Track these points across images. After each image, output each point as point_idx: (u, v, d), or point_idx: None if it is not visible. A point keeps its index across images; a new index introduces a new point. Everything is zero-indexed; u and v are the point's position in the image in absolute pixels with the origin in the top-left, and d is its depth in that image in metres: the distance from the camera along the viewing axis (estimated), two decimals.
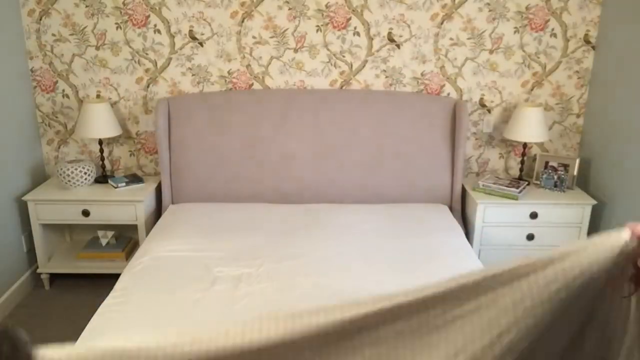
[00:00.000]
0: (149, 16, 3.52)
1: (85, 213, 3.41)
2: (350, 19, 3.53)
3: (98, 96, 3.68)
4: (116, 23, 3.53)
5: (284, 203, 3.48)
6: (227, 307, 2.29)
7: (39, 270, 3.53)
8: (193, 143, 3.52)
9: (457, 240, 2.99)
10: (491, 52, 3.59)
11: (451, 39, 3.56)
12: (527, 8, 3.50)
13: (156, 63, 3.62)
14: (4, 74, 3.34)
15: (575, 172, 3.52)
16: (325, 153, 3.53)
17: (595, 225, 3.49)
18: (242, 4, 3.50)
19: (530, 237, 3.43)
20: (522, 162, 3.66)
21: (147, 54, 3.60)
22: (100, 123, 3.46)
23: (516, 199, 3.38)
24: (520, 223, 3.41)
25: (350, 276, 2.54)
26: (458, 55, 3.60)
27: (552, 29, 3.54)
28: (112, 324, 2.18)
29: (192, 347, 1.26)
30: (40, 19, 3.52)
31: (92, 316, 2.28)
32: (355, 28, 3.54)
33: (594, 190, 3.54)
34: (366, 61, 3.61)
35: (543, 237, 3.42)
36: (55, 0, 3.48)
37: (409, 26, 3.54)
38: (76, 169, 3.43)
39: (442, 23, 3.53)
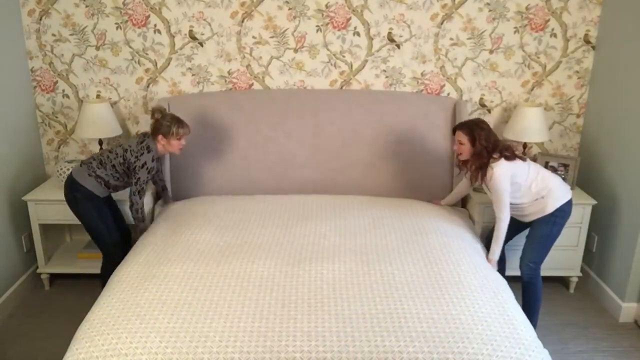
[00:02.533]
0: (149, 16, 3.53)
1: None
2: (350, 19, 3.53)
3: (98, 96, 3.68)
4: (116, 23, 3.54)
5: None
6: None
7: (39, 271, 3.53)
8: (193, 143, 3.52)
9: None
10: (491, 52, 3.59)
11: (451, 39, 3.57)
12: (527, 8, 3.50)
13: (156, 63, 3.62)
14: (4, 74, 3.34)
15: (575, 172, 3.52)
16: (325, 153, 3.53)
17: (595, 225, 3.49)
18: (242, 4, 3.50)
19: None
20: None
21: (147, 54, 3.60)
22: (100, 123, 3.46)
23: None
24: None
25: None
26: (458, 55, 3.60)
27: (552, 29, 3.54)
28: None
29: None
30: (40, 19, 3.52)
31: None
32: (355, 28, 3.55)
33: (593, 190, 3.54)
34: (366, 61, 3.61)
35: None
36: (55, 0, 3.48)
37: (409, 26, 3.54)
38: None
39: (442, 23, 3.53)
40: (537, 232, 2.92)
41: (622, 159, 3.27)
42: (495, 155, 2.79)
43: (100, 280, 3.05)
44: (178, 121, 3.00)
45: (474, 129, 2.82)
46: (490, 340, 2.08)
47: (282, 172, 3.54)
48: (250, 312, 2.24)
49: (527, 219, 2.96)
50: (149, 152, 2.96)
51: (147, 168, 2.95)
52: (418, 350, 2.02)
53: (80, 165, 3.01)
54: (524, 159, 2.86)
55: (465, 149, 2.85)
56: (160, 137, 2.98)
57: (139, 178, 2.95)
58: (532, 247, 2.95)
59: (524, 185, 2.83)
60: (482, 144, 2.78)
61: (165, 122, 2.96)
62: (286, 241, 2.86)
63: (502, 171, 2.75)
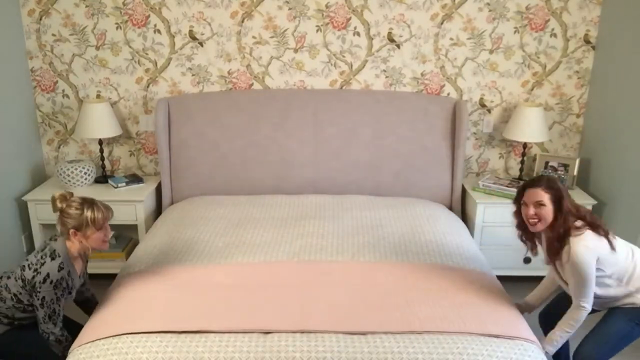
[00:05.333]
0: (149, 16, 3.53)
1: None
2: (350, 19, 3.53)
3: (98, 96, 3.68)
4: (116, 23, 3.54)
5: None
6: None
7: None
8: (193, 143, 3.52)
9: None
10: (491, 52, 3.59)
11: (451, 39, 3.57)
12: (527, 8, 3.50)
13: (156, 63, 3.62)
14: (4, 74, 3.34)
15: (575, 172, 3.52)
16: (325, 153, 3.53)
17: None
18: (242, 4, 3.50)
19: None
20: (522, 162, 3.66)
21: (147, 54, 3.60)
22: (100, 123, 3.46)
23: None
24: None
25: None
26: (458, 55, 3.60)
27: (552, 29, 3.54)
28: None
29: None
30: (40, 19, 3.52)
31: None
32: (355, 28, 3.54)
33: (594, 190, 3.54)
34: (366, 61, 3.61)
35: None
36: (55, 0, 3.48)
37: (409, 26, 3.54)
38: (76, 169, 3.44)
39: (442, 23, 3.53)
40: (610, 325, 2.24)
41: (622, 159, 3.27)
42: (578, 224, 2.16)
43: None
44: (91, 205, 2.20)
45: (560, 187, 2.19)
46: (489, 341, 2.08)
47: (282, 172, 3.54)
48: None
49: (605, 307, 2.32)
50: (52, 259, 2.16)
51: (52, 282, 2.13)
52: (418, 350, 2.02)
53: None
54: (609, 235, 2.19)
55: (547, 213, 2.16)
56: (72, 232, 2.19)
57: (43, 298, 2.12)
58: (596, 340, 2.25)
59: (612, 273, 2.18)
60: (569, 207, 2.15)
61: (73, 211, 2.18)
62: (285, 241, 2.86)
63: (590, 245, 2.12)
